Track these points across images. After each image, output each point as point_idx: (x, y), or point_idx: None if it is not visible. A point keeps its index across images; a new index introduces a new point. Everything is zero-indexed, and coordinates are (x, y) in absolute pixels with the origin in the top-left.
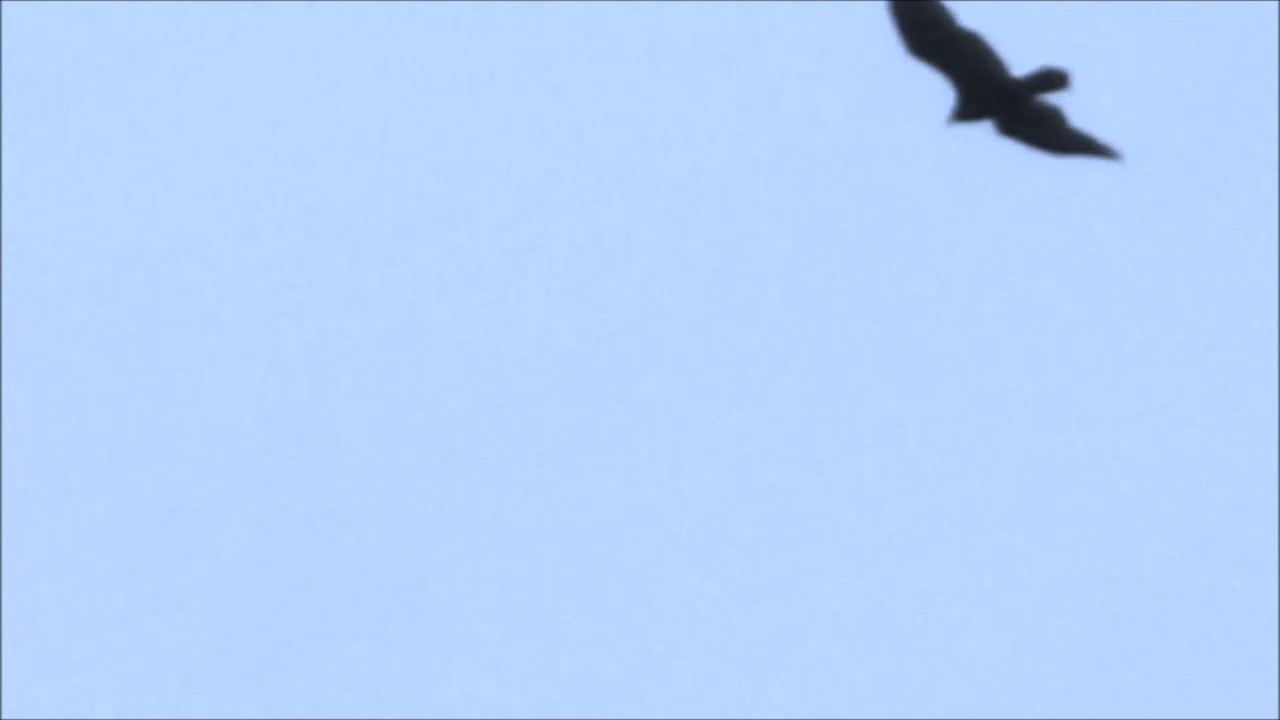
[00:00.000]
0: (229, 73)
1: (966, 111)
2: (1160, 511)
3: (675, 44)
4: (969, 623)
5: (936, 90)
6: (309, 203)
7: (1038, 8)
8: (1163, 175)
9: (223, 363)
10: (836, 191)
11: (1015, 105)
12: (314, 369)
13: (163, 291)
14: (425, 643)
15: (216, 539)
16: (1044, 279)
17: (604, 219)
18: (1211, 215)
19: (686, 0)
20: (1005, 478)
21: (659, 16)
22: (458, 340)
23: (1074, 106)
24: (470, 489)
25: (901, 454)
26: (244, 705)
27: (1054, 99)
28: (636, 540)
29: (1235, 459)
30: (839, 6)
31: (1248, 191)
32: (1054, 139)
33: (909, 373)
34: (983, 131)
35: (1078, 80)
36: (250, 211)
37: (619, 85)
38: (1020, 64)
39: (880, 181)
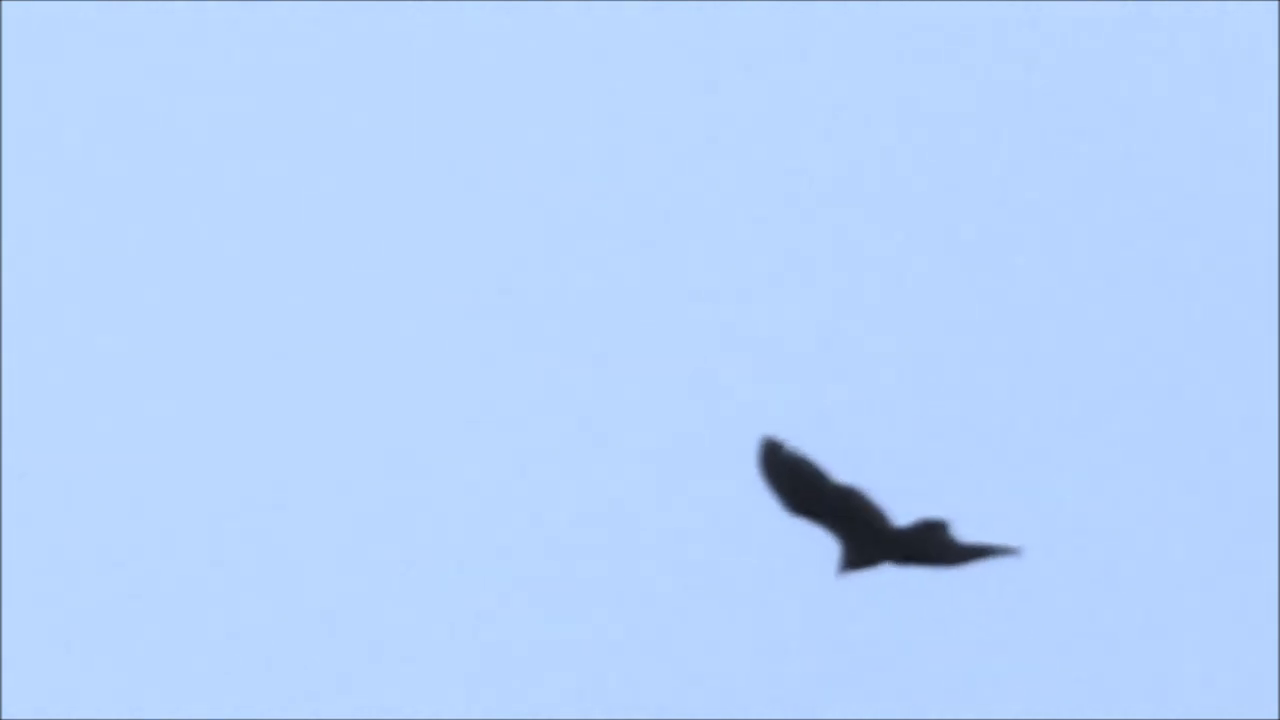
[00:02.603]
0: (230, 72)
1: (855, 561)
2: (1158, 513)
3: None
4: (963, 623)
5: None
6: (308, 203)
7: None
8: (1160, 176)
9: (217, 362)
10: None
11: (901, 553)
12: (308, 373)
13: (161, 290)
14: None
15: (215, 542)
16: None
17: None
18: (1211, 215)
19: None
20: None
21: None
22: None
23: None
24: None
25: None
26: (242, 705)
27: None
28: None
29: (1235, 460)
30: None
31: (1247, 191)
32: (948, 559)
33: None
34: None
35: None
36: (251, 211)
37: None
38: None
39: None
